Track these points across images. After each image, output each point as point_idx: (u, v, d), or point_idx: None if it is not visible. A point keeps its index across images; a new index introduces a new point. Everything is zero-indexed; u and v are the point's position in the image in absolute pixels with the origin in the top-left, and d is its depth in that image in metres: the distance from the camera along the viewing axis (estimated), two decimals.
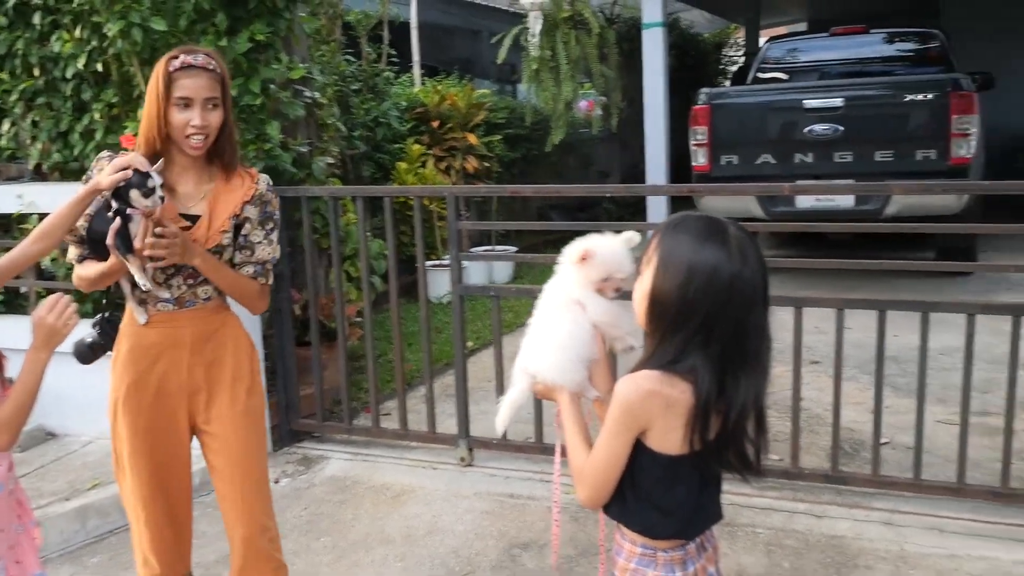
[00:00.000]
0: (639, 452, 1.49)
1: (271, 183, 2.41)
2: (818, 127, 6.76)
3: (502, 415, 1.76)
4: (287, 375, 4.19)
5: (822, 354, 4.52)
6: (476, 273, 7.30)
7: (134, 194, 2.05)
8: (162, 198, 2.08)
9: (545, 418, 3.66)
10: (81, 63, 4.00)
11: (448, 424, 4.09)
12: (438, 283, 6.47)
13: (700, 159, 7.13)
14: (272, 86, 4.06)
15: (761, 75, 8.56)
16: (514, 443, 3.82)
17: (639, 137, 9.14)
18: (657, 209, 8.82)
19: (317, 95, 4.63)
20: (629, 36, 10.87)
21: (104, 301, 2.43)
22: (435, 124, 8.03)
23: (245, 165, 2.41)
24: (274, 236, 2.38)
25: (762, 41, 11.52)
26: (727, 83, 13.45)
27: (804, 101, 6.87)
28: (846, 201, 6.73)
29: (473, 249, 8.06)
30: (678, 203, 8.09)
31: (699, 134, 7.10)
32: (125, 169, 2.04)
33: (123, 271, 2.17)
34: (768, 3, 15.31)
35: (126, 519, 3.47)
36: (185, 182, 2.27)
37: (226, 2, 3.84)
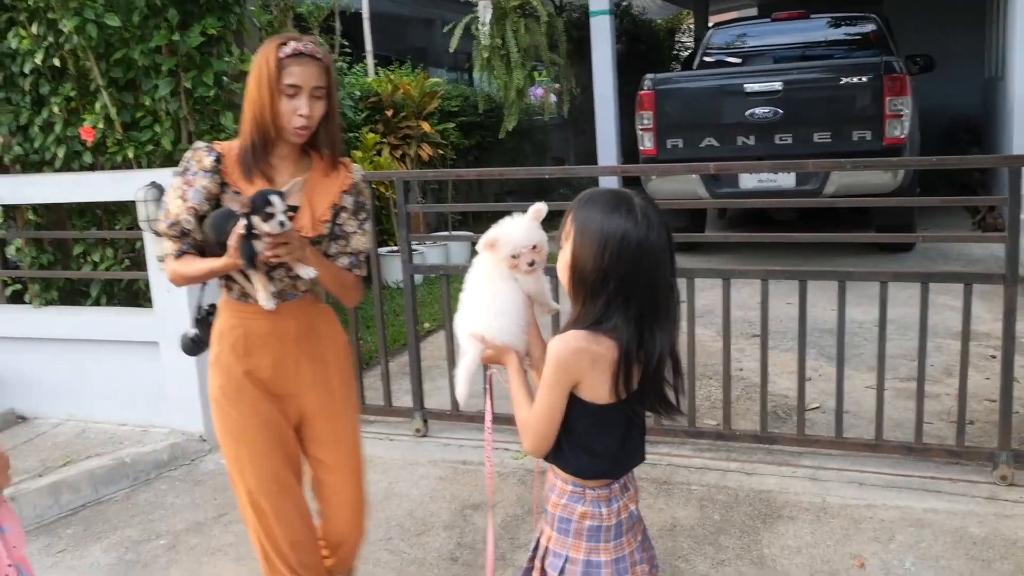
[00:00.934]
0: (573, 403, 1.67)
1: (364, 173, 2.38)
2: (759, 110, 6.92)
3: (461, 386, 1.87)
4: None
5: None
6: (434, 260, 7.47)
7: (255, 219, 2.01)
8: (282, 223, 2.01)
9: (497, 390, 3.84)
10: (38, 58, 4.10)
11: (404, 399, 4.28)
12: (395, 268, 6.63)
13: (646, 143, 7.28)
14: (225, 78, 4.21)
15: (707, 60, 8.72)
16: (466, 414, 3.99)
17: (593, 123, 9.29)
18: None
19: None
20: (579, 24, 11.05)
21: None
22: (389, 113, 8.15)
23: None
24: (367, 226, 2.35)
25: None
26: (679, 68, 13.66)
27: (745, 85, 7.01)
28: (787, 181, 6.94)
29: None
30: (629, 184, 8.27)
31: (645, 119, 7.24)
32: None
33: (228, 270, 2.14)
34: None
35: (98, 493, 3.66)
36: (282, 172, 2.22)
37: None
